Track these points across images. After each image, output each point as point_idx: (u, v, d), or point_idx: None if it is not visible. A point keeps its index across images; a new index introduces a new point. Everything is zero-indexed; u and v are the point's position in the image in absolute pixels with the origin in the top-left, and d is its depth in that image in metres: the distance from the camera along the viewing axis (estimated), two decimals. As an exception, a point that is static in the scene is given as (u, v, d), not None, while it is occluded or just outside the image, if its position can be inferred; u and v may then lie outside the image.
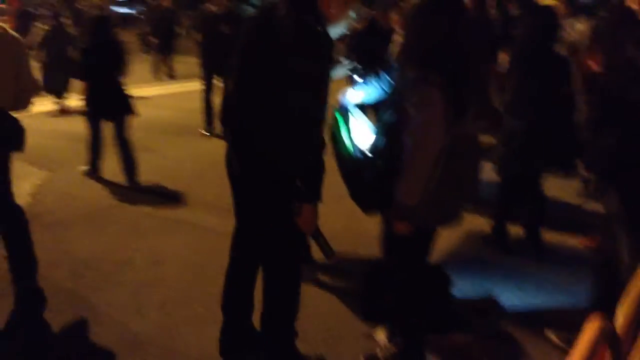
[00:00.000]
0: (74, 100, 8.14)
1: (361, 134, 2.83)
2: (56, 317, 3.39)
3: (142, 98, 11.34)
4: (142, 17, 19.48)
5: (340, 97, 2.95)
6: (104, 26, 5.83)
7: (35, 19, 13.54)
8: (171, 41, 13.90)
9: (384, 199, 2.56)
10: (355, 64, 5.49)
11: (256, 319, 2.93)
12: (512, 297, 3.64)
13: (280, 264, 2.77)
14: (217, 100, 8.28)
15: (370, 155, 2.67)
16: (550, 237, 4.37)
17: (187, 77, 12.98)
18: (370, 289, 2.98)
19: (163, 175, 6.19)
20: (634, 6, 2.60)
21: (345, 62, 5.52)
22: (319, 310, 3.41)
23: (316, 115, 2.42)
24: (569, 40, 4.39)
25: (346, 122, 2.85)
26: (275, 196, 2.58)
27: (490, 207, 4.47)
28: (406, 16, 2.68)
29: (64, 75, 9.10)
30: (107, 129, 5.93)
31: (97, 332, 3.25)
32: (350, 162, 2.76)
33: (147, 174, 6.15)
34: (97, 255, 4.18)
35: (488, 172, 4.37)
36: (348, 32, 5.94)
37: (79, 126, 6.37)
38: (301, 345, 2.92)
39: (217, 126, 8.44)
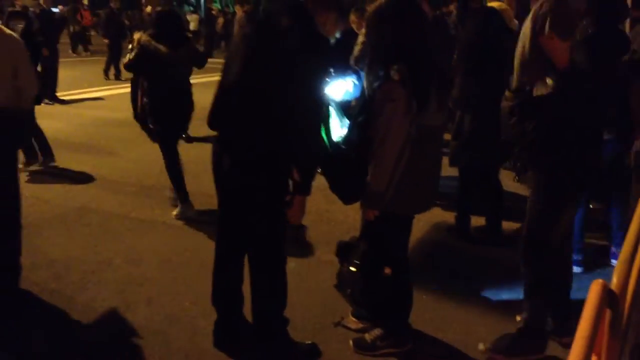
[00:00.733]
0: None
1: (336, 128, 3.04)
2: (44, 317, 3.43)
3: (95, 99, 11.26)
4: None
5: None
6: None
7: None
8: (120, 42, 13.84)
9: (359, 188, 2.80)
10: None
11: (246, 310, 3.09)
12: (476, 282, 3.92)
13: (269, 256, 2.92)
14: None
15: (344, 147, 2.89)
16: (509, 226, 4.69)
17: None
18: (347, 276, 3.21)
19: (127, 177, 6.22)
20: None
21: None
22: (305, 301, 3.58)
23: (321, 113, 2.64)
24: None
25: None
26: (269, 192, 2.75)
27: (454, 199, 4.77)
28: (368, 19, 2.92)
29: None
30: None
31: (88, 329, 3.32)
32: (327, 155, 2.98)
33: (111, 176, 6.17)
34: (74, 257, 4.21)
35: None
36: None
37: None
38: (291, 333, 3.08)
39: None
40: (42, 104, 9.23)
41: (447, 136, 4.73)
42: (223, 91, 2.80)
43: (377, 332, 3.13)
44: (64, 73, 11.52)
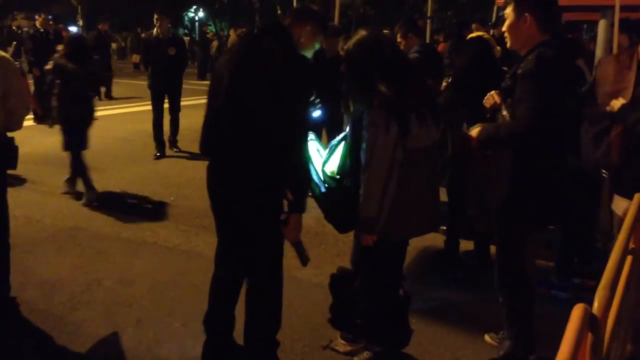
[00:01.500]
0: None
1: (332, 159, 3.09)
2: (33, 337, 3.42)
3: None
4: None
5: None
6: None
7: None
8: (109, 62, 14.07)
9: (353, 217, 2.83)
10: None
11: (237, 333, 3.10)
12: (465, 307, 3.94)
13: (268, 278, 2.95)
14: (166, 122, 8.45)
15: (337, 176, 2.95)
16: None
17: (125, 98, 13.02)
18: (339, 300, 3.23)
19: (119, 197, 6.25)
20: None
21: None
22: (295, 324, 3.59)
23: (305, 132, 2.70)
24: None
25: (314, 148, 3.13)
26: (266, 213, 2.79)
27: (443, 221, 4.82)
28: (347, 51, 2.95)
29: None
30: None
31: (77, 349, 3.31)
32: (319, 189, 3.03)
33: (102, 196, 6.18)
34: (64, 277, 4.21)
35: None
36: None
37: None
38: (280, 356, 3.09)
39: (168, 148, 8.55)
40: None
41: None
42: (212, 116, 2.84)
43: (365, 355, 3.15)
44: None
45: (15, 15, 20.33)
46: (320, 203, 3.03)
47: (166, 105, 8.57)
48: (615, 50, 5.97)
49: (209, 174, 2.89)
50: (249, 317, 2.97)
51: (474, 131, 2.91)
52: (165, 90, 8.34)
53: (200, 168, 2.92)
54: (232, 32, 18.82)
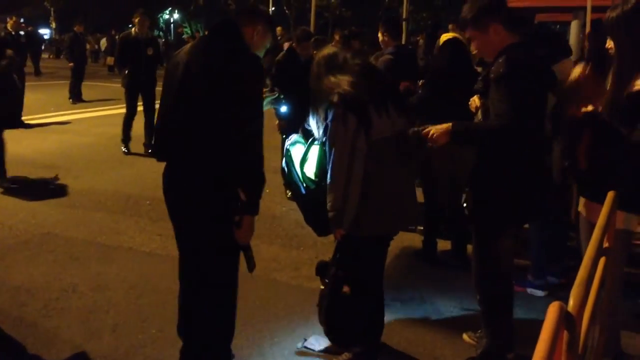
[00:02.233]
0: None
1: (309, 161, 3.09)
2: (6, 346, 3.35)
3: (62, 123, 11.13)
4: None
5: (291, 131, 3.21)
6: None
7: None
8: (84, 65, 13.95)
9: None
10: (279, 94, 5.87)
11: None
12: (443, 306, 3.97)
13: (221, 285, 2.88)
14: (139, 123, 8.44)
15: (316, 179, 2.96)
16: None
17: (98, 100, 12.88)
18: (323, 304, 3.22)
19: (94, 202, 6.15)
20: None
21: (270, 94, 5.86)
22: (272, 326, 3.58)
23: (258, 129, 2.65)
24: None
25: (295, 153, 3.12)
26: (219, 215, 2.73)
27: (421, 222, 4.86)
28: (312, 67, 3.05)
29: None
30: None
31: (52, 357, 3.24)
32: (299, 191, 3.04)
33: (77, 201, 6.10)
34: (37, 284, 4.13)
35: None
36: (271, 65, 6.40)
37: None
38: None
39: (140, 149, 8.51)
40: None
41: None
42: (162, 121, 2.81)
43: (345, 356, 3.14)
44: (30, 97, 11.38)
45: (-14, 17, 19.99)
46: (300, 205, 3.02)
47: (140, 108, 8.56)
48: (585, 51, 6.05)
49: (163, 179, 2.83)
50: (198, 323, 2.90)
51: (444, 126, 2.89)
52: (140, 90, 8.45)
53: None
54: (207, 34, 18.72)
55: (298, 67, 6.14)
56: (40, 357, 3.26)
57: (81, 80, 13.99)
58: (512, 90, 2.70)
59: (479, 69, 4.59)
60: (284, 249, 4.80)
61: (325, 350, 3.30)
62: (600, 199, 2.41)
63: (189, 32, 30.86)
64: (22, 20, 14.39)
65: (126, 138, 8.53)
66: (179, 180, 2.75)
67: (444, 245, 4.82)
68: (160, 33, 34.60)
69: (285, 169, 3.12)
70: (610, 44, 2.80)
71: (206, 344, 2.91)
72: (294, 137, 3.24)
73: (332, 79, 2.85)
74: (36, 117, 11.36)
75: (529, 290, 4.14)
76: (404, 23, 11.82)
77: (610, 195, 2.34)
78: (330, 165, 2.75)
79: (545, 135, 3.05)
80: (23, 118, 10.46)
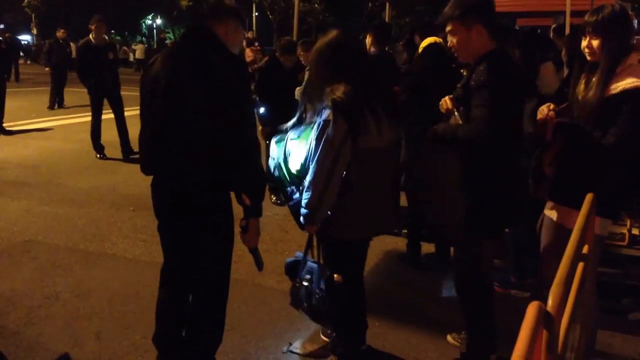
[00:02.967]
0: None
1: (293, 159, 3.09)
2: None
3: (43, 130, 11.04)
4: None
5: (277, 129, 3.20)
6: None
7: None
8: (65, 71, 13.85)
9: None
10: (259, 101, 5.98)
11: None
12: (428, 309, 4.00)
13: (215, 291, 2.88)
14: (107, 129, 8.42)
15: (300, 175, 2.95)
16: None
17: (79, 106, 12.81)
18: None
19: (76, 209, 6.10)
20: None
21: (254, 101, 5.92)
22: (258, 331, 3.58)
23: (251, 133, 2.65)
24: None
25: (283, 151, 3.11)
26: (219, 223, 2.74)
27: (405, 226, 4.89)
28: (311, 55, 3.02)
29: None
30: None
31: (34, 366, 3.22)
32: (286, 188, 3.04)
33: (59, 208, 6.05)
34: (19, 291, 4.09)
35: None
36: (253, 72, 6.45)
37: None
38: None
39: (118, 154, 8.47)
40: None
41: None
42: (152, 137, 2.69)
43: (330, 359, 3.16)
44: (11, 103, 11.29)
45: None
46: (290, 206, 3.01)
47: (110, 116, 8.57)
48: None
49: (152, 188, 2.81)
50: (192, 329, 2.90)
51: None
52: (106, 95, 8.53)
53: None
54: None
55: (281, 74, 6.17)
56: (23, 365, 3.23)
57: (63, 86, 13.89)
58: (493, 96, 2.72)
59: (464, 72, 4.62)
60: (269, 254, 4.78)
61: (311, 355, 3.31)
62: (571, 203, 2.43)
63: (172, 37, 30.72)
64: (2, 26, 14.23)
65: (99, 145, 8.58)
66: (177, 190, 2.68)
67: (428, 248, 4.85)
68: (143, 39, 34.39)
69: (271, 165, 3.10)
70: (584, 44, 2.84)
71: (194, 354, 2.90)
72: (278, 136, 3.24)
73: (327, 89, 2.78)
74: (18, 123, 11.28)
75: (513, 291, 4.18)
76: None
77: (588, 197, 2.36)
78: (313, 164, 2.75)
79: (523, 139, 3.08)
80: (4, 125, 10.45)
